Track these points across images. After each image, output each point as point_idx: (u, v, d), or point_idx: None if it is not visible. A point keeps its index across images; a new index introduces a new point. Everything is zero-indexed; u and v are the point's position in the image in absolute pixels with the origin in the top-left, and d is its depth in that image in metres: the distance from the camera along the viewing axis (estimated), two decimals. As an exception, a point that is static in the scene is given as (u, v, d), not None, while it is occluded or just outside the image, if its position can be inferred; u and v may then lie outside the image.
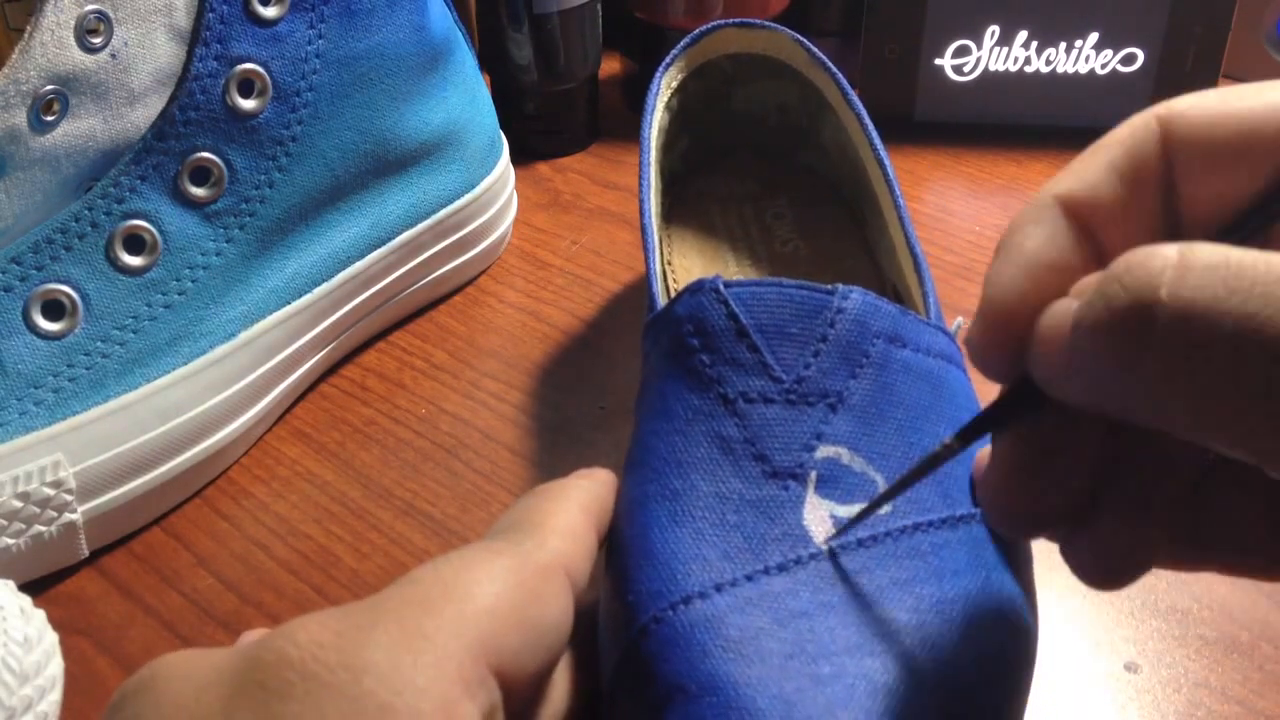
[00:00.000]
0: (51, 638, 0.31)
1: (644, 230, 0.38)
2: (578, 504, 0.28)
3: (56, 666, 0.31)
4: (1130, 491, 0.23)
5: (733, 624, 0.25)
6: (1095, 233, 0.23)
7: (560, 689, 0.27)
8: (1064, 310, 0.21)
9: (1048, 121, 0.58)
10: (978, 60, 0.56)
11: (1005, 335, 0.23)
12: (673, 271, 0.44)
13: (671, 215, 0.47)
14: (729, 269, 0.44)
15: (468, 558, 0.24)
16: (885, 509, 0.27)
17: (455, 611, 0.22)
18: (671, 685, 0.25)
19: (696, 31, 0.44)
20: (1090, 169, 0.23)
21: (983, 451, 0.28)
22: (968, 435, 0.24)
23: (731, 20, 0.44)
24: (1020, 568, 0.28)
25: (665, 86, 0.44)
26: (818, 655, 0.24)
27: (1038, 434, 0.23)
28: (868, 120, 0.41)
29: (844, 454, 0.28)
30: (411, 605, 0.22)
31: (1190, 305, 0.19)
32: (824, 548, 0.26)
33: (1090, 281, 0.21)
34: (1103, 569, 0.24)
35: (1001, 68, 0.56)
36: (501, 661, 0.22)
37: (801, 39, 0.44)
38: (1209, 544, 0.24)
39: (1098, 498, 0.24)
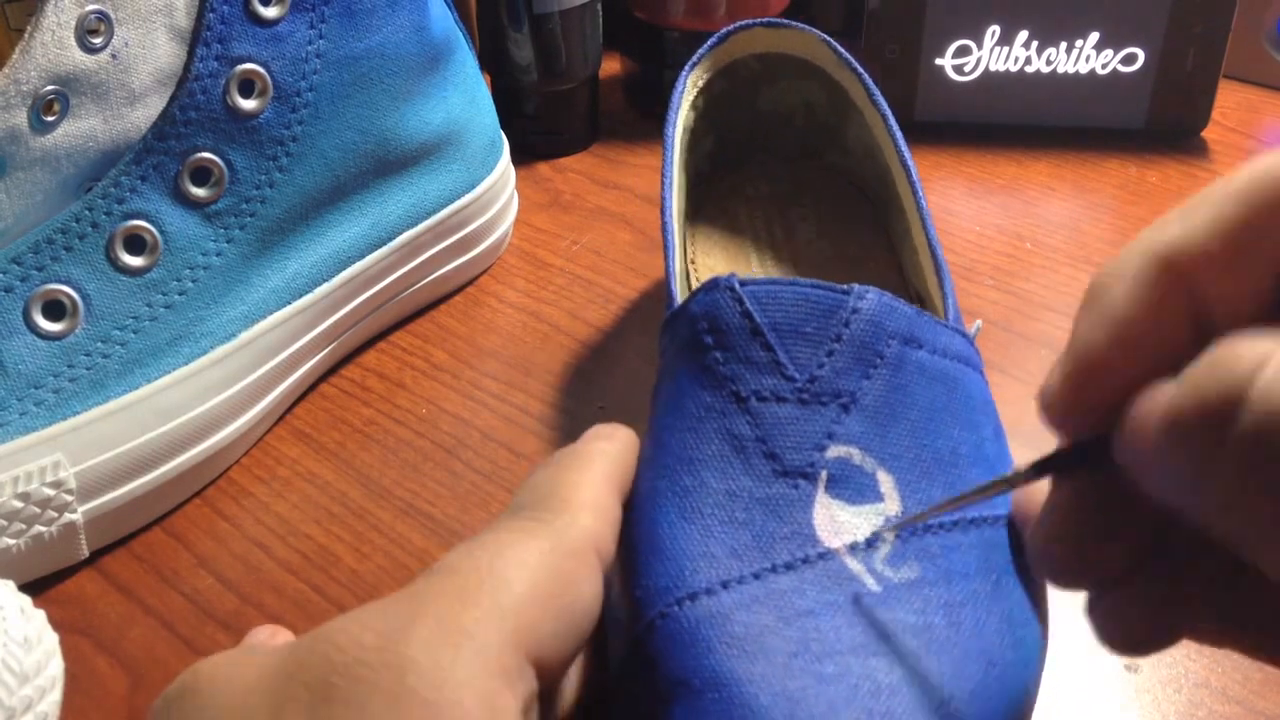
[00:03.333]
0: (51, 638, 0.31)
1: (665, 229, 0.38)
2: (602, 474, 0.27)
3: (56, 666, 0.31)
4: (1172, 562, 0.22)
5: (738, 621, 0.25)
6: (1197, 289, 0.20)
7: (572, 678, 0.27)
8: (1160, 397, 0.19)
9: (1048, 121, 0.58)
10: (978, 60, 0.56)
11: (1086, 395, 0.21)
12: (696, 270, 0.44)
13: (697, 214, 0.46)
14: (752, 268, 0.44)
15: (503, 541, 0.24)
16: (895, 510, 0.27)
17: (493, 602, 0.22)
18: (676, 680, 0.25)
19: (724, 30, 0.44)
20: (1197, 219, 0.20)
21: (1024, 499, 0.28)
22: (1043, 469, 0.23)
23: (760, 20, 0.44)
24: (1031, 573, 0.28)
25: (691, 85, 0.43)
26: (822, 654, 0.24)
27: (1101, 488, 0.22)
28: (893, 121, 0.41)
29: (855, 454, 0.28)
30: (449, 597, 0.22)
31: (1276, 410, 0.17)
32: (831, 547, 0.27)
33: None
34: (1130, 634, 0.22)
35: (1002, 68, 0.56)
36: (539, 649, 0.23)
37: (829, 39, 0.43)
38: (1240, 625, 0.23)
39: (1138, 561, 0.22)
